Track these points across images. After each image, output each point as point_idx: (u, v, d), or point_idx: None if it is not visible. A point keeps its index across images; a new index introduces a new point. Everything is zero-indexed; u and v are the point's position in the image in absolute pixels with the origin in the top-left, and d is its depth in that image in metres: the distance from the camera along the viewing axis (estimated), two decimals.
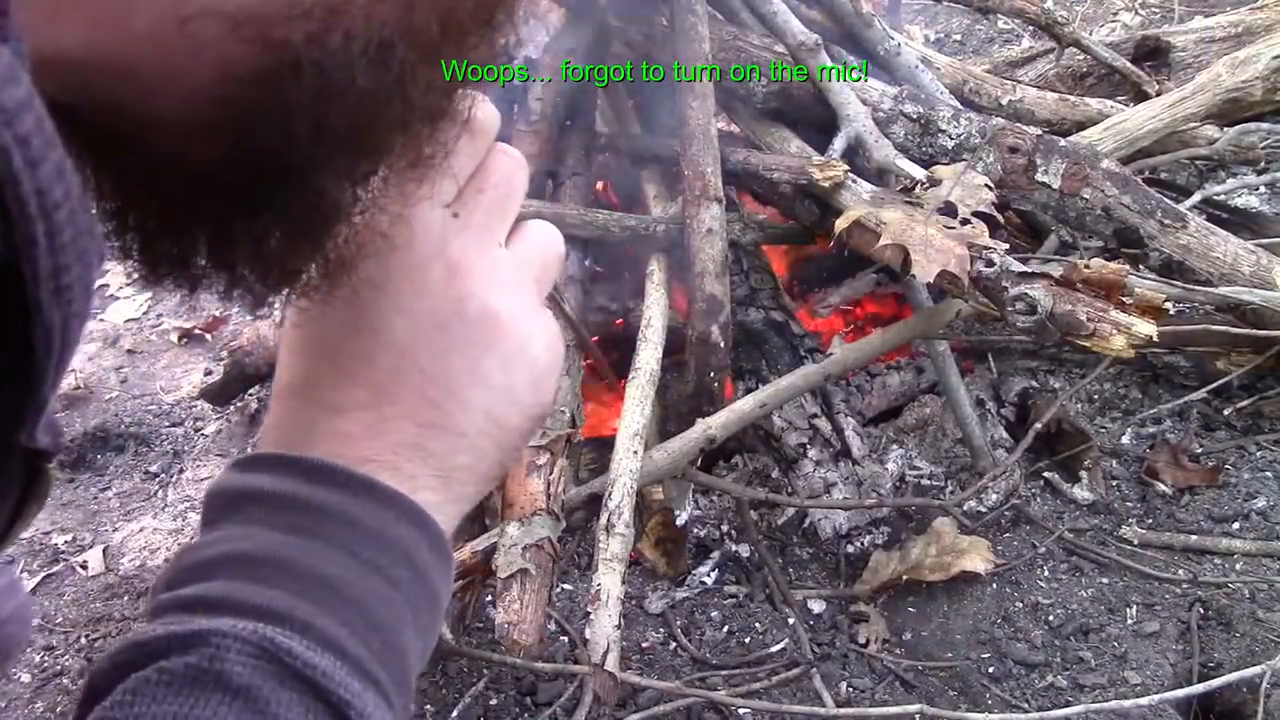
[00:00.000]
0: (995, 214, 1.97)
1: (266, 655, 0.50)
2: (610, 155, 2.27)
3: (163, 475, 2.57)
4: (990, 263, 1.84)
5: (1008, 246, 1.88)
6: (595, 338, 2.21)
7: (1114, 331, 1.75)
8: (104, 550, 2.34)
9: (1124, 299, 1.78)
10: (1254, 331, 2.08)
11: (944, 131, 2.14)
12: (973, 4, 2.60)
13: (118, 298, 3.18)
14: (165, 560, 2.31)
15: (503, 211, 0.63)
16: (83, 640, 2.14)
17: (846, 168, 2.03)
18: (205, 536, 0.56)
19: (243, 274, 0.52)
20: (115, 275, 3.25)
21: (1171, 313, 2.29)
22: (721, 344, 2.01)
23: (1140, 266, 2.19)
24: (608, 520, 1.74)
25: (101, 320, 3.10)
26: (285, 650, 0.50)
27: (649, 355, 1.95)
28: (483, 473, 0.62)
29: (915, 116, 2.15)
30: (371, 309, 0.58)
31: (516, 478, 1.80)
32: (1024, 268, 1.82)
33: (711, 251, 2.01)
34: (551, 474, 1.81)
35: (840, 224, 1.94)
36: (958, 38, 3.71)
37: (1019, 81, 2.57)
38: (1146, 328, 1.74)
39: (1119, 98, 2.61)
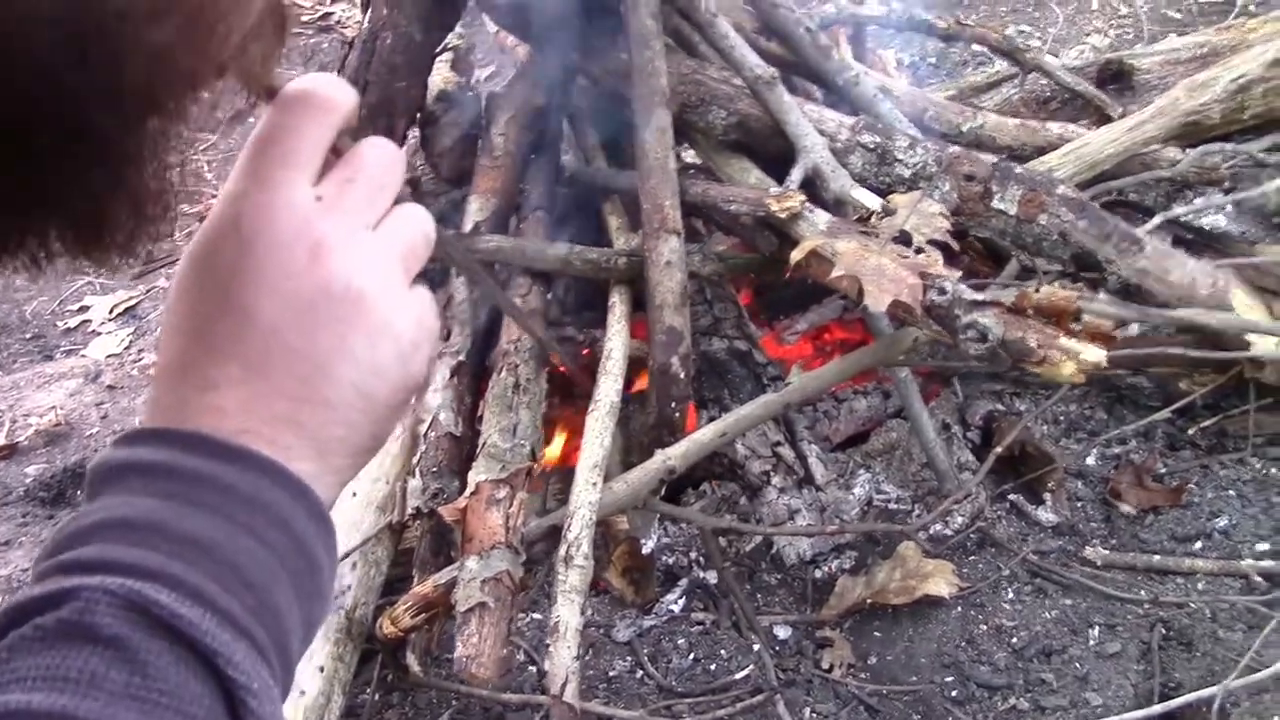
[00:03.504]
0: (950, 242, 2.00)
1: (135, 607, 0.52)
2: (573, 188, 2.30)
3: None
4: (943, 291, 1.86)
5: (960, 274, 1.90)
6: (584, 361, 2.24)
7: (1063, 358, 1.77)
8: None
9: (1073, 325, 1.80)
10: (1211, 354, 2.10)
11: (900, 160, 2.17)
12: (935, 31, 2.62)
13: (99, 333, 3.22)
14: None
15: (372, 200, 0.66)
16: None
17: (803, 199, 2.06)
18: (85, 508, 0.59)
19: (55, 236, 0.55)
20: (97, 310, 3.29)
21: (1133, 334, 2.32)
22: (682, 375, 2.03)
23: (1100, 290, 2.21)
24: (566, 552, 1.76)
25: (83, 356, 3.14)
26: (153, 602, 0.52)
27: (609, 387, 1.97)
28: (356, 444, 0.64)
29: (872, 146, 2.18)
30: (239, 290, 0.61)
31: (476, 511, 1.83)
32: (975, 296, 1.85)
33: (671, 284, 2.04)
34: (511, 507, 1.83)
35: (795, 255, 1.96)
36: (931, 60, 3.74)
37: (981, 108, 2.60)
38: (1095, 354, 1.76)
39: (1082, 122, 2.63)
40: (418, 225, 0.68)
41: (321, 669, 1.87)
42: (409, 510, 2.03)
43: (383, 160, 0.67)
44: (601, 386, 1.98)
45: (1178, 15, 3.88)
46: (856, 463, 2.34)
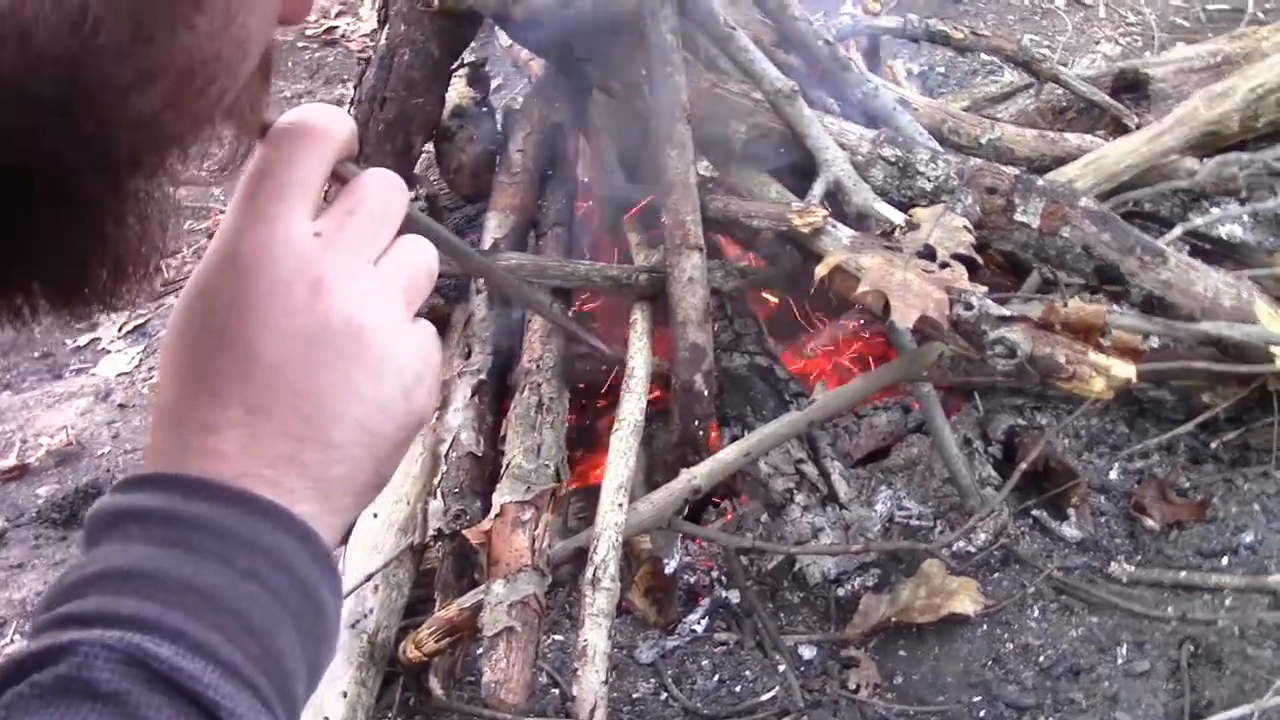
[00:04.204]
0: (974, 256, 1.98)
1: (134, 661, 0.51)
2: (593, 204, 2.28)
3: None
4: (969, 306, 1.85)
5: (986, 289, 1.89)
6: (581, 384, 2.23)
7: (1093, 374, 1.76)
8: None
9: (1102, 340, 1.79)
10: (1235, 367, 2.09)
11: (922, 174, 2.16)
12: (951, 43, 2.61)
13: (109, 351, 3.20)
14: None
15: (373, 233, 0.65)
16: None
17: (826, 213, 2.04)
18: (84, 557, 0.58)
19: (38, 292, 0.54)
20: (106, 329, 3.27)
21: (1155, 347, 2.30)
22: (705, 392, 2.02)
23: (1122, 303, 2.20)
24: (593, 575, 1.74)
25: (93, 374, 3.12)
26: (152, 656, 0.51)
27: (632, 406, 1.96)
28: (361, 483, 0.64)
29: (894, 159, 2.16)
30: (239, 329, 0.60)
31: (502, 534, 1.81)
32: (1003, 311, 1.83)
33: (693, 300, 2.02)
34: (537, 529, 1.81)
35: (820, 270, 1.94)
36: (941, 70, 3.72)
37: (997, 119, 2.58)
38: (1125, 370, 1.75)
39: (1099, 132, 2.62)
40: (420, 257, 0.68)
41: (344, 694, 1.85)
42: (431, 532, 2.01)
43: (384, 191, 0.66)
44: (625, 405, 1.96)
45: (1186, 23, 3.87)
46: (878, 479, 2.32)
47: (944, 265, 1.94)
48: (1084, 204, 2.14)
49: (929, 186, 2.16)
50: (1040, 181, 2.15)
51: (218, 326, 0.60)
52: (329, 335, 0.61)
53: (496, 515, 1.83)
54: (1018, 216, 2.13)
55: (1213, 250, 2.57)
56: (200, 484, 0.58)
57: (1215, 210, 2.75)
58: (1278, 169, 2.68)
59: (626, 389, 1.98)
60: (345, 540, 1.99)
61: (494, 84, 3.47)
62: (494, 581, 1.75)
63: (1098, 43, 3.79)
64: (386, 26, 2.20)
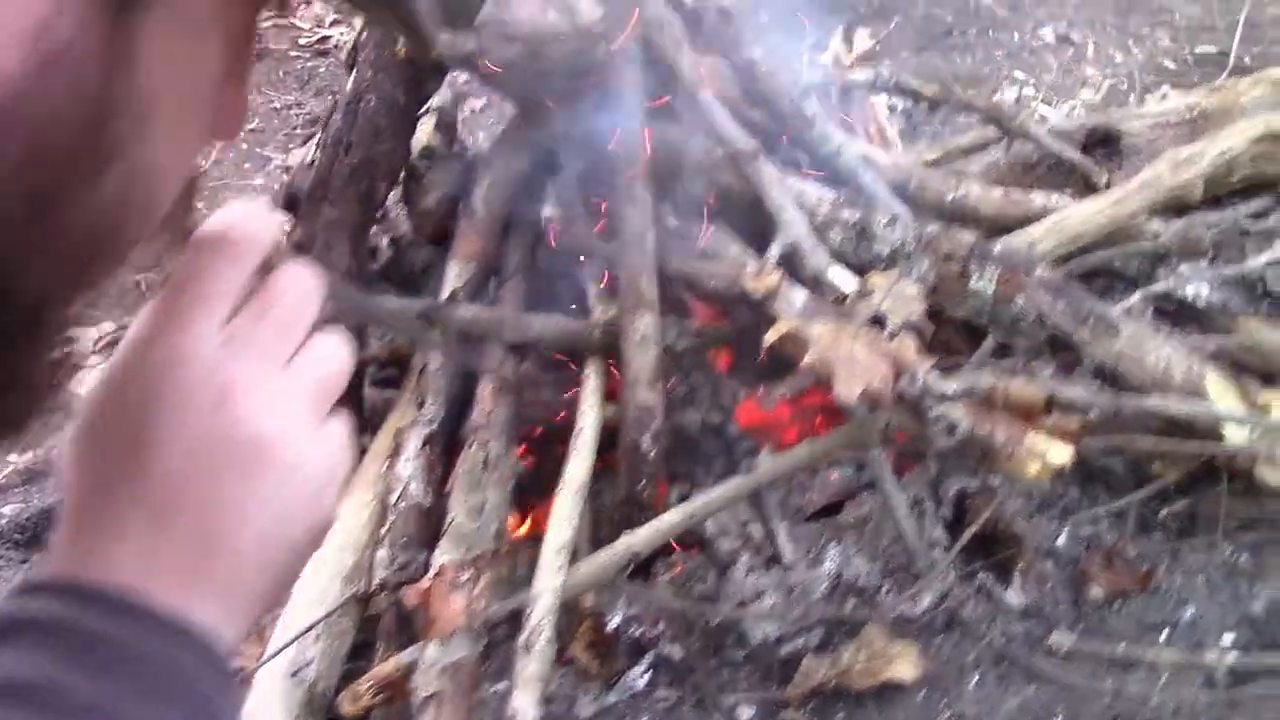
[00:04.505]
0: (925, 326, 2.00)
1: None
2: (555, 254, 2.29)
3: None
4: (914, 381, 1.87)
5: (933, 362, 1.90)
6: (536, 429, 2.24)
7: (1029, 456, 1.77)
8: None
9: (1041, 422, 1.80)
10: (1179, 446, 2.10)
11: (880, 237, 2.17)
12: (922, 97, 2.62)
13: (82, 366, 3.21)
14: None
15: (284, 336, 0.65)
16: None
17: (780, 277, 2.06)
18: None
19: None
20: (82, 342, 3.28)
21: (1105, 415, 2.31)
22: (652, 454, 2.03)
23: (1075, 370, 2.21)
24: (527, 639, 1.76)
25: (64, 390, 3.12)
26: None
27: (578, 467, 1.97)
28: (263, 589, 0.64)
29: (852, 223, 2.17)
30: (144, 437, 0.60)
31: (439, 594, 1.83)
32: (946, 388, 1.85)
33: (644, 360, 2.04)
34: (474, 591, 1.83)
35: (769, 337, 1.96)
36: (925, 104, 3.72)
37: (965, 175, 2.59)
38: (1061, 454, 1.77)
39: (1068, 190, 2.62)
40: (332, 356, 0.68)
41: None
42: (375, 583, 2.03)
43: (297, 292, 0.67)
44: (570, 466, 1.98)
45: (1173, 65, 3.86)
46: (828, 535, 2.33)
47: (893, 336, 1.96)
48: (1039, 273, 2.15)
49: (886, 250, 2.17)
50: (997, 249, 2.16)
51: (122, 431, 0.61)
52: (233, 445, 0.61)
53: (435, 575, 1.85)
54: (973, 284, 2.15)
55: (1178, 311, 2.58)
56: (100, 594, 0.58)
57: (1183, 268, 2.76)
58: (1247, 228, 2.69)
59: (574, 449, 2.00)
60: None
61: (474, 107, 3.49)
62: (428, 644, 1.77)
63: (1083, 84, 3.78)
64: (354, 71, 2.21)
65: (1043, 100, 3.78)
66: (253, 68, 0.63)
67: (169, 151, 0.54)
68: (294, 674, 1.94)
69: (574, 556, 1.94)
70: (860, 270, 2.14)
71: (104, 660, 0.56)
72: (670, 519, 1.93)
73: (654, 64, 2.18)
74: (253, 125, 4.06)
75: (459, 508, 1.93)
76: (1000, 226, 2.44)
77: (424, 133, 2.42)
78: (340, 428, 0.68)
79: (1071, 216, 2.45)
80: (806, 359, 1.88)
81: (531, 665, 1.74)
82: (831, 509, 2.41)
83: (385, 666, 1.84)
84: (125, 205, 0.52)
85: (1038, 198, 2.52)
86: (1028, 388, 1.81)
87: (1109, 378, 2.14)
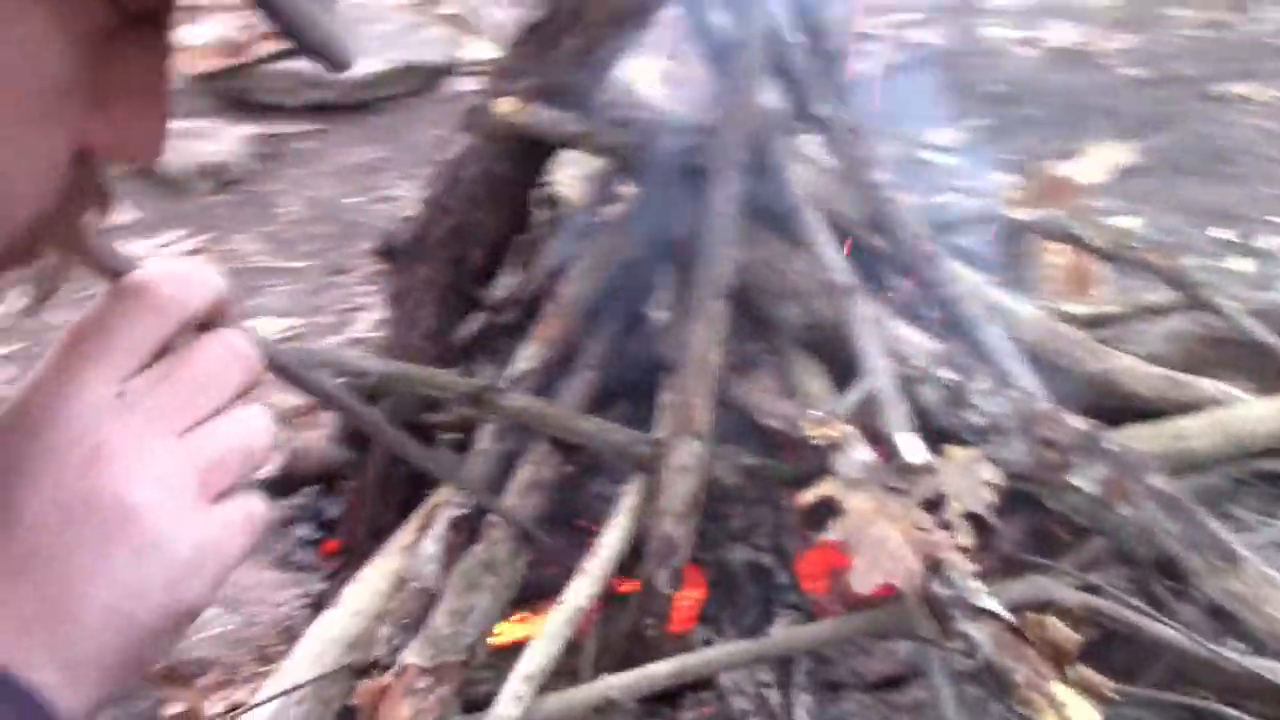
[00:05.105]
0: (991, 519, 1.76)
1: None
2: (641, 352, 2.17)
3: None
4: (949, 582, 1.64)
5: (977, 568, 1.66)
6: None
7: (1046, 706, 1.52)
8: None
9: (1069, 670, 1.54)
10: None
11: (975, 406, 1.92)
12: (1090, 249, 2.32)
13: None
14: None
15: (187, 402, 0.60)
16: None
17: (847, 430, 1.86)
18: None
19: None
20: None
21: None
22: (667, 592, 1.88)
23: (1179, 600, 1.90)
24: None
25: None
26: None
27: (581, 589, 1.84)
28: (108, 665, 0.59)
29: (948, 383, 1.94)
30: (12, 485, 0.57)
31: (393, 696, 1.75)
32: (981, 603, 1.61)
33: (681, 490, 1.88)
34: (426, 702, 1.74)
35: (804, 496, 1.77)
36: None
37: (1125, 343, 2.27)
38: (1084, 714, 1.50)
39: (1253, 380, 2.26)
40: (241, 434, 0.62)
41: None
42: (371, 657, 1.97)
43: (215, 359, 0.62)
44: (574, 586, 1.85)
45: None
46: (880, 711, 2.10)
47: (946, 526, 1.73)
48: (1154, 482, 1.85)
49: (980, 422, 1.92)
50: (1107, 444, 1.87)
51: None
52: (94, 509, 0.57)
53: (397, 674, 1.77)
54: (1074, 479, 1.87)
55: None
56: None
57: None
58: None
59: (584, 568, 1.87)
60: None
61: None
62: None
63: None
64: (465, 134, 2.17)
65: (1249, 255, 3.30)
66: (168, 85, 0.59)
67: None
68: None
69: (581, 677, 1.83)
70: (947, 438, 1.91)
71: None
72: (658, 670, 1.78)
73: (763, 172, 2.03)
74: None
75: (444, 608, 1.84)
76: (1151, 409, 2.13)
77: (567, 189, 2.36)
78: (235, 513, 0.62)
79: (1240, 414, 2.11)
80: (830, 532, 1.69)
81: None
82: (892, 682, 2.18)
83: None
84: None
85: (1207, 384, 2.19)
86: (1062, 630, 1.55)
87: (1221, 619, 1.82)
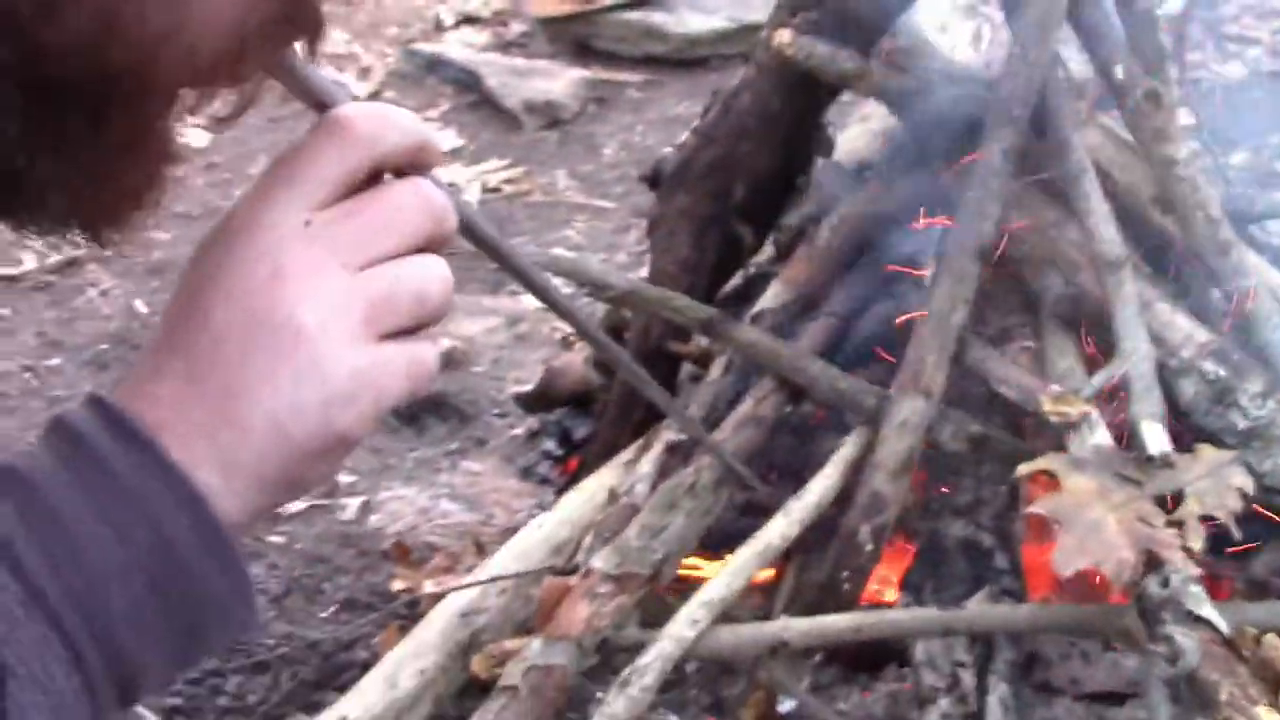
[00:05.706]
0: (1231, 526, 1.58)
1: None
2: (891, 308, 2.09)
3: (456, 457, 2.79)
4: (1165, 582, 1.49)
5: (1200, 573, 1.51)
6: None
7: None
8: (364, 503, 2.61)
9: None
10: None
11: (1240, 408, 1.73)
12: None
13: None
14: (397, 529, 2.53)
15: (368, 239, 0.64)
16: (296, 573, 2.42)
17: (1087, 410, 1.72)
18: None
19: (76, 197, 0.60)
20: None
21: None
22: (869, 548, 1.81)
23: None
24: (627, 676, 1.66)
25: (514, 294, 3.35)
26: None
27: (777, 528, 1.80)
28: (267, 477, 0.63)
29: (1213, 378, 1.76)
30: (206, 292, 0.63)
31: (573, 595, 1.77)
32: (1199, 609, 1.46)
33: (897, 447, 1.81)
34: (606, 606, 1.75)
35: (1022, 470, 1.66)
36: None
37: None
38: None
39: None
40: (415, 278, 0.66)
41: (422, 671, 1.93)
42: (573, 563, 2.01)
43: (403, 203, 0.66)
44: (770, 524, 1.82)
45: None
46: None
47: (1178, 524, 1.57)
48: None
49: (1242, 425, 1.73)
50: None
51: (196, 285, 0.64)
52: (270, 324, 0.62)
53: (583, 575, 1.80)
54: None
55: None
56: (120, 419, 0.61)
57: None
58: None
59: (785, 510, 1.83)
60: None
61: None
62: (535, 637, 1.73)
63: None
64: (750, 62, 2.15)
65: None
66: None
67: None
68: (464, 615, 1.99)
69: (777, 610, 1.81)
70: (1204, 438, 1.73)
71: (88, 475, 0.59)
72: (836, 623, 1.72)
73: (1045, 132, 1.90)
74: None
75: (638, 521, 1.85)
76: None
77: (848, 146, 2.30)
78: (398, 354, 0.65)
79: None
80: (1035, 505, 1.57)
81: (618, 704, 1.64)
82: (1113, 697, 2.00)
83: (514, 642, 1.83)
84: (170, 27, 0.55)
85: None
86: None
87: None
